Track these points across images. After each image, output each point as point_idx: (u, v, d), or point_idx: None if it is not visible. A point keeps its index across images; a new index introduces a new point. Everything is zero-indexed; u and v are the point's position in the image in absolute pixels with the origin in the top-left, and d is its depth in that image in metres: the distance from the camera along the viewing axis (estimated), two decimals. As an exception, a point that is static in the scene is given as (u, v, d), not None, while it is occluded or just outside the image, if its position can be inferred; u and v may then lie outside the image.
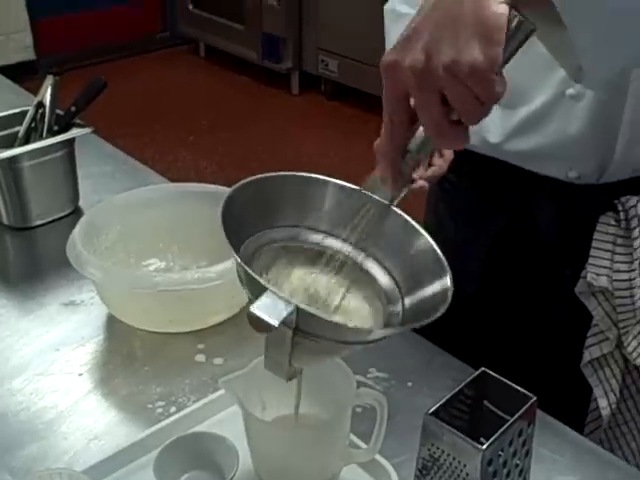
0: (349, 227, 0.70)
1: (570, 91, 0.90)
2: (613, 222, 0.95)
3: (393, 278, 0.71)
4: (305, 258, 0.72)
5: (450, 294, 0.65)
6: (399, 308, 0.70)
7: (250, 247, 0.69)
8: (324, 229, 0.73)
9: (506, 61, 0.59)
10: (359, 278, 0.71)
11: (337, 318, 0.67)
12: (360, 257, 0.71)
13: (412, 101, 0.62)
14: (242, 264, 0.62)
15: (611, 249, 0.95)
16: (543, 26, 0.63)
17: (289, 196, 0.72)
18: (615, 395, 1.00)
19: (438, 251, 0.69)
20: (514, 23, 0.57)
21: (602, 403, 1.00)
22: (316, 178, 0.73)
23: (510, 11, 0.57)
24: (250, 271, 0.61)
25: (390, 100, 0.62)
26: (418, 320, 0.64)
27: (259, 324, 0.58)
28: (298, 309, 0.58)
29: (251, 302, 0.62)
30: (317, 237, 0.73)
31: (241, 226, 0.68)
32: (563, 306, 1.02)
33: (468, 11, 0.56)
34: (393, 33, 1.02)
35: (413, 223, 0.71)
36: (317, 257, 0.71)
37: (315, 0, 3.89)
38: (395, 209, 0.69)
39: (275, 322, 0.57)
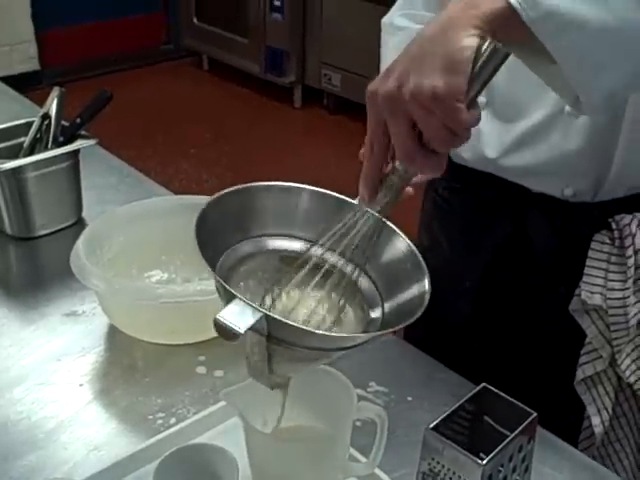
0: (328, 234, 0.70)
1: (568, 108, 0.90)
2: (607, 240, 0.96)
3: (374, 283, 0.72)
4: (285, 266, 0.72)
5: (427, 297, 0.66)
6: (378, 314, 0.70)
7: (230, 259, 0.70)
8: (304, 236, 0.74)
9: (480, 89, 0.62)
10: (342, 285, 0.71)
11: (306, 324, 0.67)
12: (341, 263, 0.72)
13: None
14: (214, 273, 0.63)
15: (605, 267, 0.96)
16: (533, 60, 0.66)
17: (266, 206, 0.74)
18: (608, 413, 1.00)
19: (417, 253, 0.70)
20: (487, 52, 0.60)
21: (595, 421, 1.00)
22: (292, 186, 0.75)
23: (480, 43, 0.60)
24: (220, 280, 0.62)
25: (370, 126, 0.66)
26: (393, 325, 0.64)
27: (225, 331, 0.58)
28: (267, 317, 0.58)
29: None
30: (296, 245, 0.74)
31: (218, 239, 0.69)
32: (557, 324, 1.02)
33: (438, 44, 0.61)
34: (390, 46, 1.03)
35: (392, 226, 0.72)
36: (297, 265, 0.71)
37: (319, 14, 3.91)
38: (373, 213, 0.69)
39: (241, 329, 0.57)
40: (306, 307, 0.69)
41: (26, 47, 4.13)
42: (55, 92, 1.25)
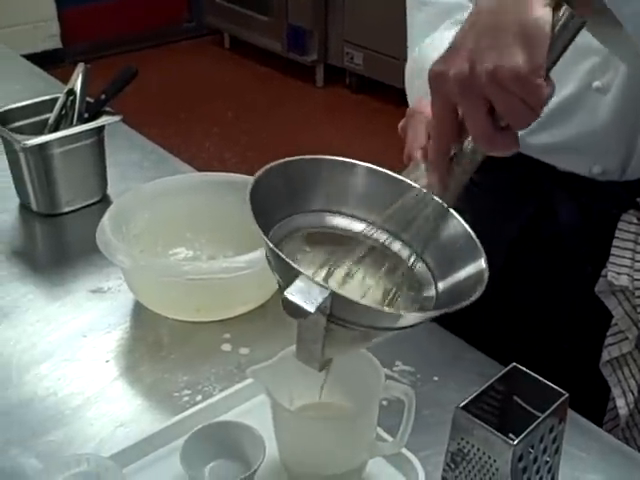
0: (382, 213, 0.69)
1: (596, 84, 0.88)
2: (635, 220, 0.94)
3: (425, 262, 0.71)
4: (335, 244, 0.71)
5: (486, 276, 0.64)
6: (432, 292, 0.69)
7: (280, 232, 0.69)
8: (355, 214, 0.72)
9: (555, 61, 0.59)
10: (390, 263, 0.70)
11: (371, 303, 0.66)
12: (391, 241, 0.71)
13: (460, 111, 0.62)
14: (273, 247, 0.61)
15: (632, 248, 0.94)
16: (596, 25, 0.63)
17: (319, 180, 0.72)
18: (633, 395, 0.99)
19: (472, 233, 0.69)
20: (562, 21, 0.57)
21: (620, 403, 0.99)
22: (348, 162, 0.73)
23: (555, 12, 0.56)
24: (282, 255, 0.60)
25: (438, 111, 0.63)
26: (453, 304, 0.63)
27: (294, 310, 0.57)
28: (333, 294, 0.57)
29: (281, 288, 0.62)
30: (347, 222, 0.72)
31: (270, 210, 0.67)
32: (583, 305, 1.01)
33: (510, 17, 0.57)
34: (417, 22, 1.01)
35: (446, 207, 0.70)
36: (348, 243, 0.70)
37: (341, -8, 3.88)
38: (428, 193, 0.69)
39: (311, 308, 0.56)
40: (360, 287, 0.68)
41: (48, 25, 4.14)
42: (80, 68, 1.25)
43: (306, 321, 0.59)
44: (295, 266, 0.59)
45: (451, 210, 0.70)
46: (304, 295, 0.57)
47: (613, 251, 0.95)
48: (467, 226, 0.70)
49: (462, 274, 0.67)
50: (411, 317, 0.65)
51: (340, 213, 0.73)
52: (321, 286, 0.57)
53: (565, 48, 0.59)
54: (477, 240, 0.68)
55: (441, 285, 0.69)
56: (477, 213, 1.08)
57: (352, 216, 0.72)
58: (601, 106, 0.89)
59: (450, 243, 0.70)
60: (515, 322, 1.08)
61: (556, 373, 1.00)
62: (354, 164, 0.73)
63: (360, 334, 0.62)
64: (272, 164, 0.69)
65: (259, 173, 0.67)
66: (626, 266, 0.95)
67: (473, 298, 0.62)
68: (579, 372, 1.04)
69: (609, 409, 1.02)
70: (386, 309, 0.65)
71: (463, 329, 1.03)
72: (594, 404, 1.02)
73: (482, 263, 0.66)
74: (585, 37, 0.78)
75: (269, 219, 0.67)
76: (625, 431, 1.02)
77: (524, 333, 1.07)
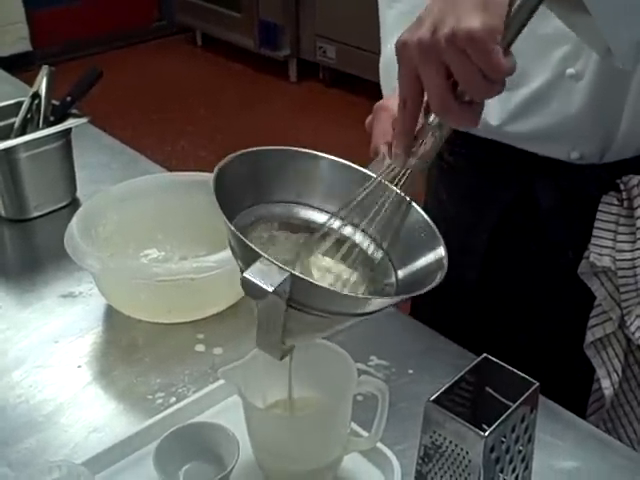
0: (344, 204, 0.69)
1: (570, 71, 0.89)
2: (616, 202, 0.95)
3: (385, 252, 0.71)
4: (298, 234, 0.72)
5: (446, 262, 0.65)
6: (392, 280, 0.69)
7: (243, 220, 0.69)
8: (318, 205, 0.73)
9: (516, 33, 0.60)
10: (351, 252, 0.70)
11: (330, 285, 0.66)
12: (351, 232, 0.71)
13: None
14: (235, 232, 0.61)
15: (614, 229, 0.95)
16: (565, 10, 0.64)
17: (283, 171, 0.72)
18: (618, 375, 1.00)
19: (429, 221, 0.69)
20: None
21: (605, 383, 1.00)
22: (309, 153, 0.73)
23: None
24: (243, 238, 0.60)
25: (402, 80, 0.64)
26: (414, 289, 0.63)
27: (253, 289, 0.57)
28: (293, 276, 0.58)
29: (241, 269, 0.63)
30: (310, 213, 0.73)
31: (235, 198, 0.67)
32: (566, 287, 1.01)
33: None
34: (389, 21, 1.01)
35: (404, 196, 0.70)
36: (310, 233, 0.71)
37: (312, -14, 3.87)
38: (386, 182, 0.69)
39: (269, 287, 0.56)
40: (320, 274, 0.68)
41: (17, 28, 4.10)
42: (44, 71, 1.23)
43: (265, 304, 0.59)
44: (256, 249, 0.59)
45: (412, 202, 0.70)
46: (263, 275, 0.57)
47: (595, 232, 0.96)
48: (426, 216, 0.70)
49: (421, 262, 0.68)
50: (370, 302, 0.66)
51: (303, 204, 0.73)
52: (280, 268, 0.57)
53: (526, 21, 0.60)
54: (436, 229, 0.69)
55: (401, 273, 0.69)
56: (458, 199, 1.09)
57: (315, 207, 0.73)
58: (576, 93, 0.90)
59: (410, 232, 0.70)
60: (498, 307, 1.08)
61: (540, 357, 1.01)
62: (318, 156, 0.73)
63: (320, 320, 0.62)
64: (235, 154, 0.69)
65: (223, 162, 0.67)
66: (608, 247, 0.95)
67: (433, 284, 0.62)
68: (563, 355, 1.04)
69: (594, 390, 1.03)
70: (345, 292, 0.65)
71: (440, 319, 1.03)
72: (579, 386, 1.03)
73: (441, 251, 0.66)
74: (557, 25, 0.79)
75: (235, 206, 0.67)
76: (610, 411, 1.03)
77: (507, 318, 1.08)
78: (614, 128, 0.91)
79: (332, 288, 0.64)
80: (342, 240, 0.70)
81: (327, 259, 0.69)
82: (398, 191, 0.69)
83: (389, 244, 0.71)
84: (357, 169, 0.72)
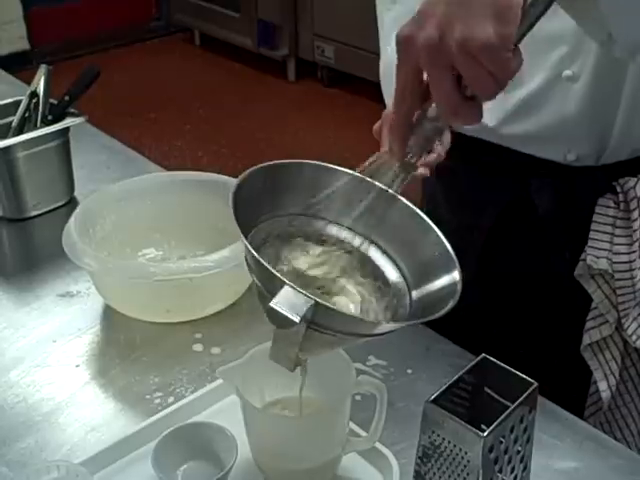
0: (355, 216, 0.70)
1: (567, 72, 0.89)
2: (612, 204, 0.95)
3: (400, 270, 0.71)
4: (312, 248, 0.71)
5: (459, 287, 0.64)
6: (406, 301, 0.69)
7: (257, 236, 0.68)
8: (330, 218, 0.72)
9: (524, 34, 0.59)
10: (365, 269, 0.70)
11: (353, 311, 0.66)
12: (366, 247, 0.71)
13: (425, 76, 0.62)
14: (258, 257, 0.59)
15: (610, 231, 0.95)
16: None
17: (295, 184, 0.71)
18: (615, 378, 1.00)
19: (447, 244, 0.68)
20: None
21: (602, 386, 1.00)
22: (322, 166, 0.72)
23: None
24: (268, 265, 0.59)
25: (403, 75, 0.63)
26: (427, 312, 0.63)
27: (280, 320, 0.57)
28: (317, 304, 0.57)
29: (258, 288, 0.63)
30: (323, 226, 0.72)
31: (248, 214, 0.66)
32: (562, 290, 1.01)
33: None
34: (387, 23, 1.01)
35: (422, 215, 0.70)
36: (325, 246, 0.71)
37: (310, -14, 3.86)
38: (403, 199, 0.69)
39: (297, 318, 0.56)
40: (338, 293, 0.68)
41: (15, 27, 4.09)
42: (42, 70, 1.23)
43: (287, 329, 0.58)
44: (280, 276, 0.58)
45: (427, 219, 0.70)
46: (290, 305, 0.57)
47: (591, 235, 0.96)
48: (443, 237, 0.69)
49: (436, 284, 0.67)
50: (389, 326, 0.66)
51: (319, 217, 0.72)
52: (305, 296, 0.57)
53: (536, 20, 0.59)
54: (452, 251, 0.68)
55: (415, 294, 0.69)
56: (456, 200, 1.09)
57: (330, 220, 0.72)
58: (572, 94, 0.90)
59: (424, 250, 0.70)
60: (494, 309, 1.08)
61: (537, 359, 1.01)
62: (337, 170, 0.72)
63: (338, 339, 0.62)
64: (251, 169, 0.68)
65: (241, 178, 0.66)
66: (605, 249, 0.95)
67: (447, 309, 0.62)
68: (560, 357, 1.04)
69: (591, 393, 1.03)
70: (367, 319, 0.65)
71: (438, 320, 1.03)
72: (576, 389, 1.03)
73: (456, 275, 0.66)
74: (554, 26, 0.78)
75: (248, 222, 0.67)
76: (607, 414, 1.03)
77: (504, 321, 1.08)
78: (610, 129, 0.91)
79: (356, 315, 0.65)
80: (358, 256, 0.70)
81: (343, 277, 0.69)
82: (417, 210, 0.69)
83: (404, 263, 0.70)
84: (373, 183, 0.71)
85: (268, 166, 0.69)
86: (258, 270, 0.63)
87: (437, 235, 0.69)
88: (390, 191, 0.69)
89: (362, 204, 0.69)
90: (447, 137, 0.96)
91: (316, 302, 0.57)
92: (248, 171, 0.67)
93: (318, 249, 0.71)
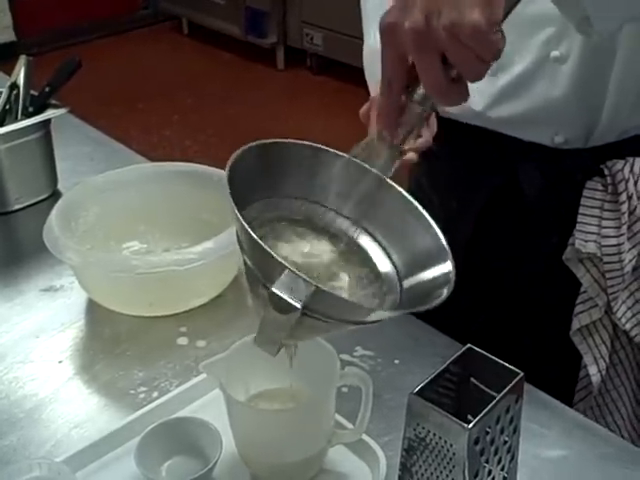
0: (346, 201, 0.68)
1: (554, 53, 0.88)
2: (600, 187, 0.94)
3: (390, 258, 0.70)
4: (302, 232, 0.69)
5: (453, 276, 0.64)
6: (397, 289, 0.68)
7: (248, 215, 0.67)
8: (322, 202, 0.71)
9: (506, 15, 0.59)
10: (355, 256, 0.69)
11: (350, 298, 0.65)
12: (357, 233, 0.70)
13: (411, 60, 0.61)
14: (259, 241, 0.57)
15: (599, 214, 0.94)
16: None
17: (290, 167, 0.70)
18: (605, 361, 0.99)
19: (440, 234, 0.67)
20: None
21: (592, 370, 0.99)
22: (321, 148, 0.70)
23: None
24: (266, 247, 0.57)
25: (389, 61, 0.62)
26: (419, 302, 0.62)
27: (281, 305, 0.56)
28: (316, 289, 0.56)
29: (248, 268, 0.62)
30: (314, 210, 0.71)
31: (242, 193, 0.64)
32: (551, 274, 1.01)
33: None
34: (369, 7, 1.00)
35: (414, 202, 0.69)
36: (314, 231, 0.69)
37: (298, -27, 3.84)
38: (396, 186, 0.68)
39: (298, 304, 0.55)
40: (327, 280, 0.67)
41: (0, 17, 4.05)
42: (22, 60, 1.21)
43: (274, 312, 0.57)
44: (280, 260, 0.57)
45: (420, 207, 0.69)
46: (291, 290, 0.56)
47: (580, 219, 0.95)
48: (436, 226, 0.68)
49: (428, 274, 0.66)
50: (384, 314, 0.65)
51: (312, 201, 0.71)
52: (305, 281, 0.56)
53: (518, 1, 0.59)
54: (444, 241, 0.67)
55: (405, 283, 0.68)
56: (443, 185, 1.08)
57: (321, 204, 0.71)
58: (560, 76, 0.89)
59: (418, 241, 0.68)
60: (483, 295, 1.07)
61: (527, 345, 1.00)
62: (337, 155, 0.70)
63: (326, 325, 0.61)
64: (243, 148, 0.66)
65: (235, 156, 0.64)
66: (593, 233, 0.95)
67: (442, 298, 0.61)
68: (550, 342, 1.04)
69: (581, 377, 1.03)
70: (365, 305, 0.64)
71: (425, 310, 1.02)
72: (566, 373, 1.03)
73: (449, 265, 0.65)
74: (540, 7, 0.77)
75: (243, 201, 0.64)
76: (598, 398, 1.03)
77: (492, 307, 1.07)
78: (598, 111, 0.90)
79: (355, 301, 0.63)
80: (348, 242, 0.69)
81: (332, 260, 0.68)
82: (410, 197, 0.68)
83: (395, 251, 0.69)
84: (366, 168, 0.69)
85: (263, 144, 0.67)
86: (254, 252, 0.61)
87: (430, 224, 0.68)
88: (384, 177, 0.68)
89: (354, 189, 0.68)
90: (434, 121, 0.95)
91: (316, 287, 0.56)
92: (241, 149, 0.65)
93: (309, 234, 0.69)
